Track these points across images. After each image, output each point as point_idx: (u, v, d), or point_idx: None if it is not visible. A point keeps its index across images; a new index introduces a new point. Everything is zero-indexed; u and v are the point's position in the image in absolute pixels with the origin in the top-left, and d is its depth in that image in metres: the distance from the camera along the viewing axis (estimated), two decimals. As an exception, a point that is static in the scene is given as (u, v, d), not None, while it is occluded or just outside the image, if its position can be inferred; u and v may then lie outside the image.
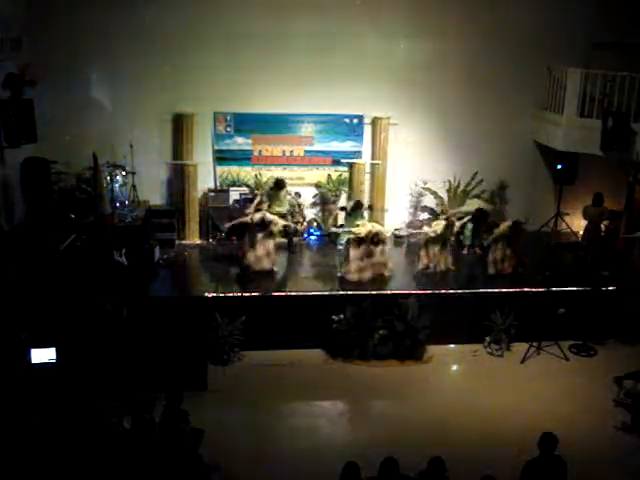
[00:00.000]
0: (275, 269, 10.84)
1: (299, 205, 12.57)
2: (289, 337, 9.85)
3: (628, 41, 11.79)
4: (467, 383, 9.41)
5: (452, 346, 10.24)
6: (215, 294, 9.88)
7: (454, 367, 9.90)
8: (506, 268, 10.88)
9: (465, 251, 11.96)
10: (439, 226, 10.87)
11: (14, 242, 9.39)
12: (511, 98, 12.51)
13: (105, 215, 10.34)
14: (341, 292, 10.16)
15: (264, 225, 10.58)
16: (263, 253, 10.67)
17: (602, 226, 11.64)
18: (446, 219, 11.10)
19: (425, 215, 12.95)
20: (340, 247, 11.41)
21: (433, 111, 12.52)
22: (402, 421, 8.34)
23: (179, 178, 12.20)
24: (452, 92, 12.36)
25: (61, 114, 11.25)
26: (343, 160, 12.66)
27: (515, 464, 6.13)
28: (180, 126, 12.03)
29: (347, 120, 12.58)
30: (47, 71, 10.95)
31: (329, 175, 12.69)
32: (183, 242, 12.11)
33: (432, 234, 10.81)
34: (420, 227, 11.78)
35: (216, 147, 12.43)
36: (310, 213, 12.79)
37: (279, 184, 11.46)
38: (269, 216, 10.68)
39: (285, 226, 11.25)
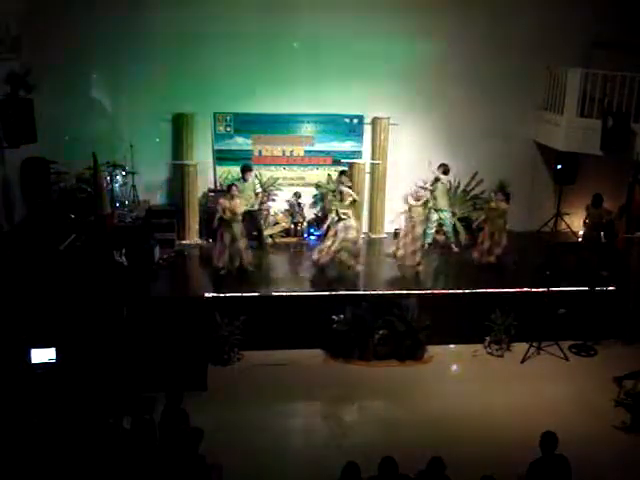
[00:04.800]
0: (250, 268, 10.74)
1: (299, 205, 12.59)
2: (289, 337, 9.85)
3: (628, 41, 11.78)
4: (467, 383, 9.40)
5: (452, 346, 10.24)
6: (215, 294, 9.89)
7: (454, 367, 9.89)
8: (490, 259, 10.95)
9: (456, 249, 12.05)
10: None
11: (14, 242, 9.39)
12: (511, 98, 12.50)
13: (105, 215, 10.34)
14: (341, 292, 10.16)
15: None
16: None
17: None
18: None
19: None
20: None
21: (433, 111, 12.52)
22: (402, 421, 8.34)
23: (179, 178, 12.20)
24: (452, 92, 12.36)
25: (61, 114, 11.25)
26: (343, 160, 12.66)
27: (515, 464, 6.15)
28: (180, 126, 12.03)
29: (347, 120, 12.58)
30: (47, 71, 10.95)
31: (329, 175, 12.69)
32: (183, 242, 12.12)
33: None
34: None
35: (216, 147, 12.43)
36: (310, 213, 12.80)
37: (244, 169, 11.34)
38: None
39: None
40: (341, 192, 10.79)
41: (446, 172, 11.83)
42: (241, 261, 10.53)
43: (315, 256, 10.80)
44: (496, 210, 10.97)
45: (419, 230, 10.89)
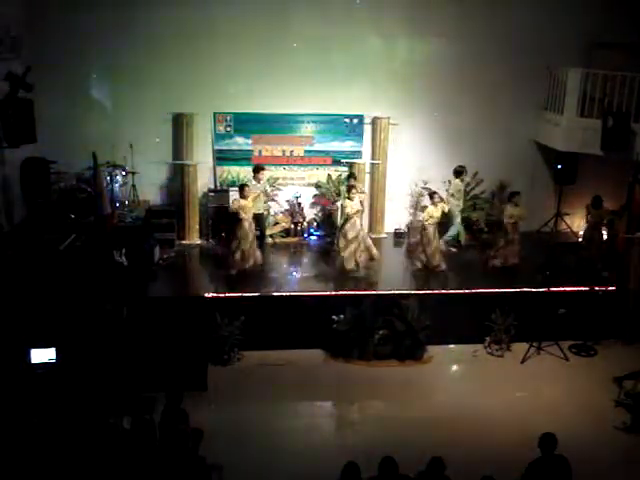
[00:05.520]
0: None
1: (299, 205, 12.59)
2: (289, 337, 9.85)
3: (629, 41, 11.79)
4: (467, 383, 9.41)
5: (452, 346, 10.23)
6: (215, 294, 9.89)
7: (454, 367, 9.89)
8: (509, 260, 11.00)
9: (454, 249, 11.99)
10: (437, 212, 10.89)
11: (14, 242, 9.39)
12: (511, 98, 12.48)
13: (105, 215, 10.35)
14: (341, 292, 10.16)
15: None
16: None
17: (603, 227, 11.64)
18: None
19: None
20: None
21: (433, 111, 12.51)
22: (402, 421, 8.34)
23: (179, 178, 12.20)
24: (452, 92, 12.35)
25: (61, 114, 11.25)
26: (343, 160, 12.66)
27: (515, 464, 6.15)
28: (180, 126, 12.03)
29: (347, 120, 12.59)
30: (47, 71, 10.95)
31: (329, 175, 12.69)
32: (183, 242, 12.11)
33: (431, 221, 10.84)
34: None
35: (216, 147, 12.43)
36: (310, 213, 12.80)
37: (256, 169, 11.28)
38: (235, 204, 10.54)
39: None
40: (349, 190, 10.83)
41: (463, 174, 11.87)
42: (254, 261, 10.59)
43: (350, 266, 10.66)
44: (512, 215, 10.97)
45: (431, 231, 10.91)
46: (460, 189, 11.88)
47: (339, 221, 11.45)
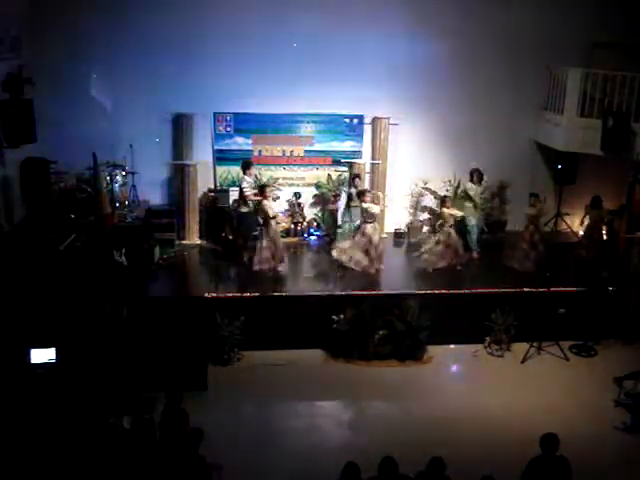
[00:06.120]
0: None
1: (299, 205, 12.59)
2: (289, 337, 9.84)
3: (628, 41, 11.79)
4: (467, 383, 9.41)
5: (452, 346, 10.23)
6: (215, 294, 9.88)
7: (454, 367, 9.89)
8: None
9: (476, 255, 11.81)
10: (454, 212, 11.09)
11: (14, 242, 9.39)
12: (511, 98, 12.49)
13: (105, 215, 10.35)
14: (341, 292, 10.16)
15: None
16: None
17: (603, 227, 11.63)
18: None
19: (425, 215, 12.95)
20: None
21: (433, 111, 12.51)
22: (402, 421, 8.35)
23: (179, 178, 12.19)
24: (452, 92, 12.36)
25: (61, 114, 11.25)
26: (343, 160, 12.66)
27: (515, 464, 6.15)
28: (180, 126, 12.04)
29: (347, 120, 12.59)
30: (47, 71, 10.95)
31: (329, 175, 12.69)
32: (183, 242, 12.11)
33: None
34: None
35: (216, 147, 12.43)
36: (310, 213, 12.80)
37: (245, 165, 11.21)
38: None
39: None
40: (361, 194, 10.92)
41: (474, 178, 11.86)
42: (280, 260, 10.66)
43: (350, 259, 10.76)
44: (535, 215, 11.16)
45: (454, 235, 11.06)
46: (475, 192, 11.77)
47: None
